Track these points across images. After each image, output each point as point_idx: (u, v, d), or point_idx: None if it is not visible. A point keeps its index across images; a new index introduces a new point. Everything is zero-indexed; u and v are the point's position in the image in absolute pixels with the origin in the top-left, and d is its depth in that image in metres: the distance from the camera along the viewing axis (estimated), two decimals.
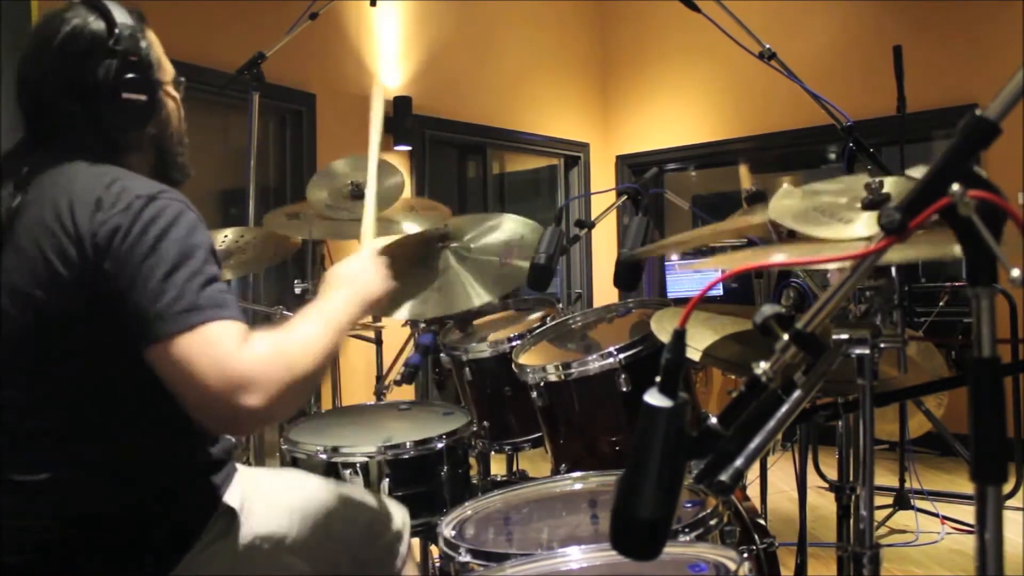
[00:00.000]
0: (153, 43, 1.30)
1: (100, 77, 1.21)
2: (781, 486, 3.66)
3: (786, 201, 1.28)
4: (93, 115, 1.22)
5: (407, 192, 5.09)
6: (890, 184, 1.22)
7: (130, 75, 1.22)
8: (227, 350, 1.05)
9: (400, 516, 1.51)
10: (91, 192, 1.14)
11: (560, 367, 1.84)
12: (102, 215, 1.11)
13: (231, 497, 1.28)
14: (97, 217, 1.11)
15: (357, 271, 1.35)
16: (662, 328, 1.68)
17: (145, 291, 1.07)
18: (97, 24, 1.23)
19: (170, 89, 1.34)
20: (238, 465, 1.36)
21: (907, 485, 3.61)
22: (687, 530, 1.33)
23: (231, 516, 1.27)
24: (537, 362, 1.93)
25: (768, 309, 0.77)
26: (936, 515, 3.45)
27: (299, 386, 1.10)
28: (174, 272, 1.08)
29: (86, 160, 1.20)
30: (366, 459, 1.89)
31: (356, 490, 1.58)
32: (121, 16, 1.24)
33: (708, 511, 1.38)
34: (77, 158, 1.21)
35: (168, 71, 1.33)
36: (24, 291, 1.13)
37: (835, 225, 1.19)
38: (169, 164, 1.35)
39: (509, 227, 2.35)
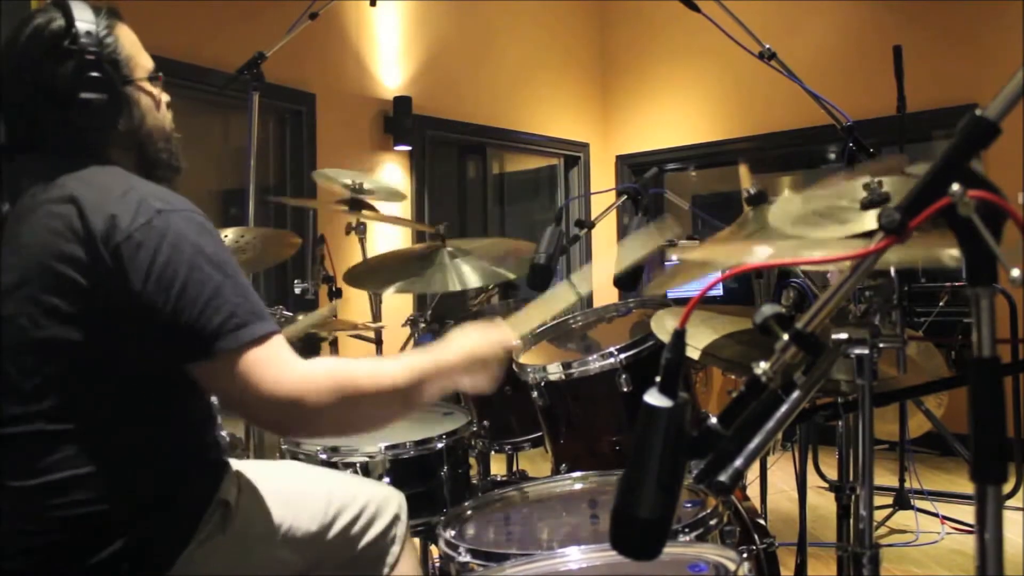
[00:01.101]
0: (123, 40, 1.28)
1: (58, 77, 1.20)
2: (781, 486, 3.66)
3: (786, 207, 1.28)
4: (59, 116, 1.22)
5: (407, 193, 5.10)
6: (888, 184, 1.22)
7: (88, 73, 1.21)
8: (282, 365, 1.13)
9: (396, 500, 1.50)
10: (102, 200, 1.14)
11: (560, 367, 1.84)
12: (123, 227, 1.11)
13: (225, 492, 1.28)
14: (119, 228, 1.11)
15: (470, 335, 1.37)
16: (662, 328, 1.68)
17: (197, 309, 1.11)
18: (57, 23, 1.22)
19: (145, 85, 1.31)
20: (231, 459, 1.36)
21: (907, 485, 3.60)
22: (687, 530, 1.33)
23: (226, 510, 1.27)
24: (537, 362, 1.93)
25: (768, 309, 0.77)
26: (936, 515, 3.45)
27: (352, 404, 1.17)
28: (222, 288, 1.12)
29: (74, 162, 1.20)
30: (366, 459, 1.89)
31: (350, 476, 1.58)
32: (82, 14, 1.23)
33: (708, 511, 1.38)
34: (64, 162, 1.20)
35: (142, 67, 1.31)
36: (31, 296, 1.13)
37: (834, 226, 1.19)
38: (152, 161, 1.33)
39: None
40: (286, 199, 4.39)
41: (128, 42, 1.30)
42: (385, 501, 1.48)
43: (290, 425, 1.19)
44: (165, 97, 1.37)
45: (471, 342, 1.35)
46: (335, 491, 1.43)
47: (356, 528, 1.42)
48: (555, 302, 1.59)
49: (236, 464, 1.36)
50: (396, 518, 1.48)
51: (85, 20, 1.23)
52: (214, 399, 1.33)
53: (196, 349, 1.12)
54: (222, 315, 1.11)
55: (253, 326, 1.12)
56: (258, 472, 1.40)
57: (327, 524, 1.38)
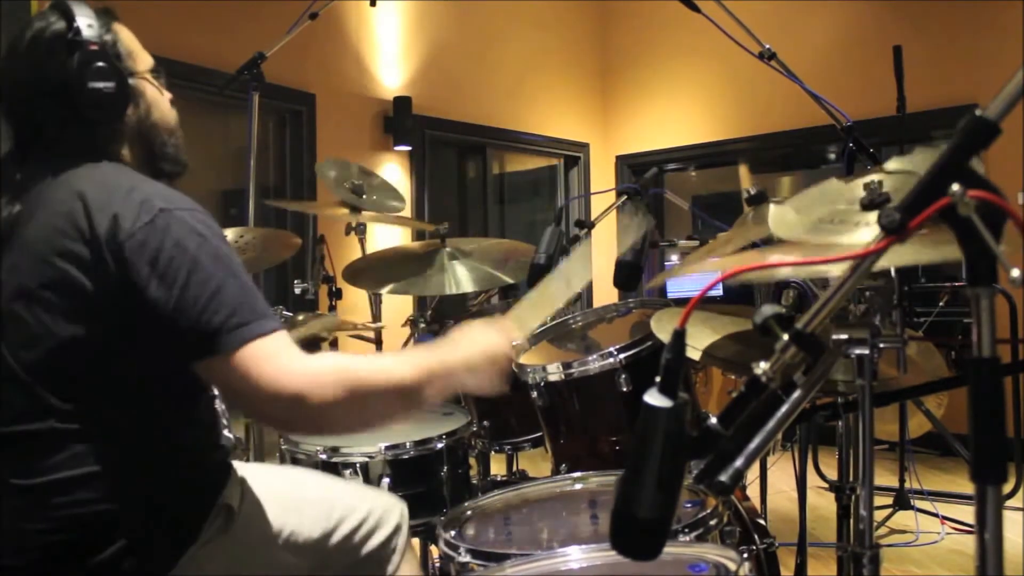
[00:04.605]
0: (122, 36, 1.30)
1: (65, 71, 1.22)
2: (781, 486, 3.66)
3: (787, 219, 1.26)
4: (68, 110, 1.23)
5: (407, 193, 5.10)
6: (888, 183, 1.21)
7: (95, 63, 1.23)
8: (285, 361, 1.12)
9: (398, 510, 1.51)
10: (107, 199, 1.14)
11: (560, 367, 1.84)
12: (127, 227, 1.12)
13: (229, 495, 1.29)
14: (122, 228, 1.12)
15: (476, 334, 1.34)
16: (662, 328, 1.68)
17: (198, 308, 1.11)
18: (57, 24, 1.24)
19: (149, 77, 1.33)
20: (234, 462, 1.36)
21: (907, 485, 3.61)
22: (687, 530, 1.33)
23: (229, 513, 1.27)
24: (537, 362, 1.93)
25: (768, 309, 0.77)
26: (936, 515, 3.45)
27: (358, 401, 1.15)
28: (223, 287, 1.13)
29: (81, 161, 1.21)
30: (366, 459, 1.89)
31: (353, 484, 1.58)
32: (82, 12, 1.25)
33: (708, 511, 1.38)
34: (72, 161, 1.21)
35: (144, 61, 1.33)
36: (32, 292, 1.14)
37: (845, 230, 1.19)
38: (158, 155, 1.34)
39: None
40: (286, 203, 4.38)
41: (127, 38, 1.32)
42: (387, 511, 1.48)
43: (295, 422, 1.19)
44: (168, 95, 1.38)
45: (477, 341, 1.33)
46: (338, 498, 1.43)
47: (358, 536, 1.42)
48: (554, 298, 1.56)
49: (240, 468, 1.36)
50: (398, 528, 1.49)
51: (84, 15, 1.25)
52: (219, 402, 1.34)
53: (199, 348, 1.12)
54: (223, 314, 1.11)
55: (254, 324, 1.12)
56: (262, 476, 1.40)
57: (329, 530, 1.38)
